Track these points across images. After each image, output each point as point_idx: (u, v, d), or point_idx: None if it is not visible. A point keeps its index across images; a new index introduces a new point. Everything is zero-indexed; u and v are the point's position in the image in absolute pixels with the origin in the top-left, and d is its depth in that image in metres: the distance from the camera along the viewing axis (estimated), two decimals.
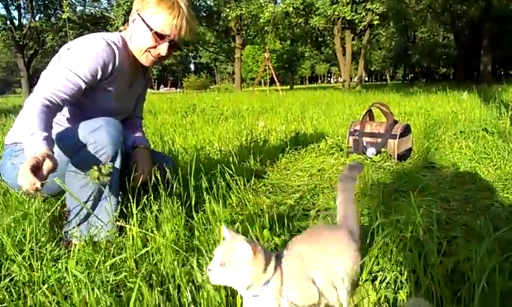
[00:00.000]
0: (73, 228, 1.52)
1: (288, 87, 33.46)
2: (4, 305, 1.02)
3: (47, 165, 1.22)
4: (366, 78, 60.63)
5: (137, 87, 1.85)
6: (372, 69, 64.32)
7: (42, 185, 1.20)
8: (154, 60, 1.67)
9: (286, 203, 2.15)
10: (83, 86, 1.50)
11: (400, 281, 1.12)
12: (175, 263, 1.14)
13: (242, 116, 6.18)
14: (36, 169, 1.21)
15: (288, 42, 36.88)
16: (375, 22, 24.20)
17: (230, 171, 1.94)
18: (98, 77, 1.54)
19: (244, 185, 1.88)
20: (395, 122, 3.27)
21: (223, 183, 1.78)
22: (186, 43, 33.20)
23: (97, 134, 1.44)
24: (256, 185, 2.47)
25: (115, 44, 1.60)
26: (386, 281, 1.11)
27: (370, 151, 3.20)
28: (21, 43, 28.85)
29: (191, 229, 1.49)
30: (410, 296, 1.04)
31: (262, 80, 25.65)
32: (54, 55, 1.64)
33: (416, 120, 4.77)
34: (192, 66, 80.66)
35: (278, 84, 16.95)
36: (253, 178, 2.35)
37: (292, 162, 3.22)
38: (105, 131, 1.45)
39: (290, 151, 3.42)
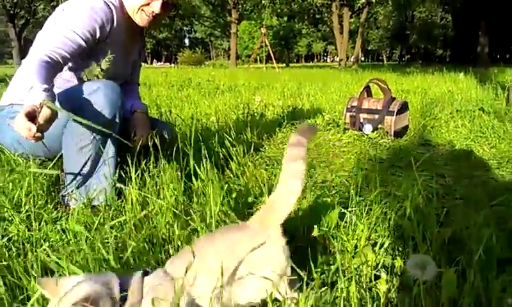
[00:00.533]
0: (71, 191, 1.51)
1: (284, 65, 33.17)
2: (4, 262, 1.02)
3: (44, 112, 1.19)
4: (362, 58, 60.23)
5: (134, 52, 1.82)
6: (369, 48, 63.94)
7: (42, 133, 1.17)
8: (149, 20, 1.63)
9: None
10: (82, 44, 1.47)
11: (398, 249, 1.13)
12: (175, 225, 1.14)
13: (238, 90, 6.13)
14: (32, 117, 1.18)
15: (285, 18, 36.39)
16: (373, 0, 23.90)
17: (228, 141, 1.93)
18: (97, 36, 1.50)
19: (244, 154, 1.87)
20: (393, 99, 3.26)
21: (224, 151, 1.77)
22: (181, 16, 32.60)
23: (95, 96, 1.42)
24: (253, 158, 2.47)
25: (113, 4, 1.56)
26: (384, 247, 1.13)
27: (367, 127, 3.20)
28: (12, 12, 28.17)
29: (189, 196, 1.49)
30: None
31: (258, 58, 25.37)
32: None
33: (413, 98, 4.77)
34: (187, 41, 79.54)
35: (274, 60, 16.80)
36: (251, 150, 2.35)
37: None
38: (103, 93, 1.43)
39: (287, 126, 3.41)
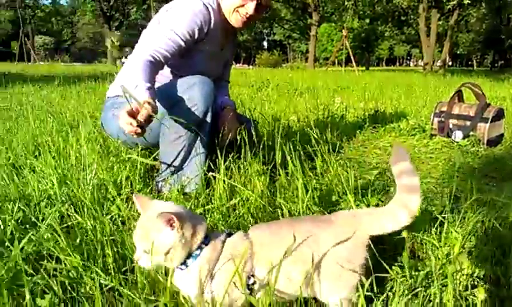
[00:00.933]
0: (166, 178, 1.63)
1: (364, 68, 32.21)
2: (111, 237, 1.13)
3: (145, 110, 1.30)
4: (450, 63, 56.40)
5: (227, 51, 1.91)
6: (458, 53, 59.62)
7: (143, 129, 1.28)
8: (243, 20, 1.70)
9: (365, 177, 2.11)
10: (182, 44, 1.58)
11: (497, 259, 1.06)
12: (260, 214, 1.18)
13: (317, 92, 6.09)
14: (133, 114, 1.29)
15: (367, 21, 35.29)
16: (465, 1, 22.21)
17: (314, 139, 1.93)
18: (196, 36, 1.61)
19: (329, 151, 1.87)
20: (487, 105, 3.02)
21: (308, 148, 1.78)
22: (262, 19, 33.12)
23: (191, 91, 1.52)
24: (334, 158, 2.45)
25: (211, 6, 1.65)
26: (481, 256, 1.06)
27: (457, 134, 3.01)
28: (108, 14, 30.79)
29: (272, 190, 1.52)
30: (507, 274, 0.98)
31: (336, 60, 24.92)
32: (142, 26, 1.74)
33: (510, 106, 4.37)
34: (265, 43, 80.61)
35: (354, 63, 16.40)
36: (331, 149, 2.33)
37: (369, 140, 3.13)
38: (199, 88, 1.52)
39: (367, 129, 3.33)
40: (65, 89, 5.98)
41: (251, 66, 38.90)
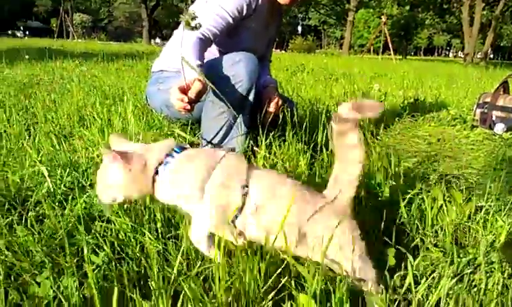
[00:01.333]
0: None
1: (401, 57, 31.29)
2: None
3: (195, 86, 1.33)
4: (491, 55, 53.87)
5: (272, 30, 1.91)
6: (501, 45, 56.88)
7: (192, 106, 1.31)
8: None
9: (403, 165, 2.08)
10: (230, 21, 1.60)
11: None
12: None
13: (353, 78, 5.99)
14: (184, 90, 1.32)
15: (407, 7, 34.10)
16: None
17: None
18: (244, 13, 1.61)
19: (372, 134, 1.85)
20: None
21: None
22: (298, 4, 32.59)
23: (236, 67, 1.53)
24: (373, 144, 2.42)
25: None
26: None
27: (500, 126, 2.90)
28: None
29: (313, 170, 1.53)
30: None
31: (372, 48, 24.33)
32: (177, 6, 1.75)
33: None
34: (299, 28, 79.44)
35: (391, 51, 15.95)
36: (369, 135, 2.30)
37: (408, 128, 3.06)
38: (244, 65, 1.53)
39: (406, 118, 3.26)
40: (104, 65, 6.14)
41: (283, 51, 38.51)
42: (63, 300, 0.80)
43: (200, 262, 0.94)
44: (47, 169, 1.35)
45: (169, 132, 1.73)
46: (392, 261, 0.99)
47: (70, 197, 1.23)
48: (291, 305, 0.74)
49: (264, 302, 0.77)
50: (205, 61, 1.58)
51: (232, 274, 0.82)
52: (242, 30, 1.69)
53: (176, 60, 1.40)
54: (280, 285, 0.80)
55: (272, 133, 1.63)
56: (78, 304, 0.81)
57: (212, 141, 1.65)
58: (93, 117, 2.21)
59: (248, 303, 0.76)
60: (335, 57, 17.74)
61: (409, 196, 1.32)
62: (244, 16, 1.64)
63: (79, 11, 54.86)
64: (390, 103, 3.75)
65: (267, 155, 1.45)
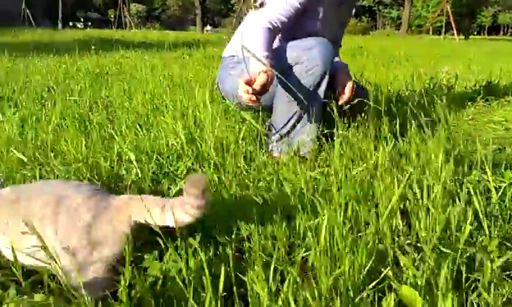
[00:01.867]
0: (277, 141, 1.66)
1: (463, 37, 29.37)
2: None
3: (260, 78, 1.34)
4: None
5: (345, 8, 1.85)
6: None
7: (258, 98, 1.32)
8: None
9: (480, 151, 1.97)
10: (299, 7, 1.58)
11: None
12: (388, 180, 1.16)
13: (415, 61, 5.73)
14: (249, 82, 1.34)
15: None
16: None
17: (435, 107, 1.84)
18: None
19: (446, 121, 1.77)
20: None
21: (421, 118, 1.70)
22: None
23: (310, 53, 1.51)
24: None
25: None
26: None
27: None
28: None
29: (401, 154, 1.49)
30: None
31: (431, 28, 23.00)
32: None
33: None
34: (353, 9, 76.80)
35: (455, 31, 15.02)
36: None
37: (481, 113, 2.89)
38: (318, 50, 1.51)
39: (479, 102, 3.08)
40: (165, 54, 6.34)
41: None
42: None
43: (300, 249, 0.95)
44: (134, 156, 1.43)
45: (241, 119, 1.75)
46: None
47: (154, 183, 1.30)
48: (394, 297, 0.73)
49: (363, 292, 0.78)
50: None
51: (332, 260, 0.83)
52: (310, 14, 1.66)
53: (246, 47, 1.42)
54: (382, 276, 0.79)
55: (346, 118, 1.61)
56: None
57: (285, 128, 1.65)
58: (165, 105, 2.30)
59: (349, 290, 0.77)
60: (391, 38, 17.00)
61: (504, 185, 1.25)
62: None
63: (134, 1, 56.84)
64: (461, 87, 3.55)
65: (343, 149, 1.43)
